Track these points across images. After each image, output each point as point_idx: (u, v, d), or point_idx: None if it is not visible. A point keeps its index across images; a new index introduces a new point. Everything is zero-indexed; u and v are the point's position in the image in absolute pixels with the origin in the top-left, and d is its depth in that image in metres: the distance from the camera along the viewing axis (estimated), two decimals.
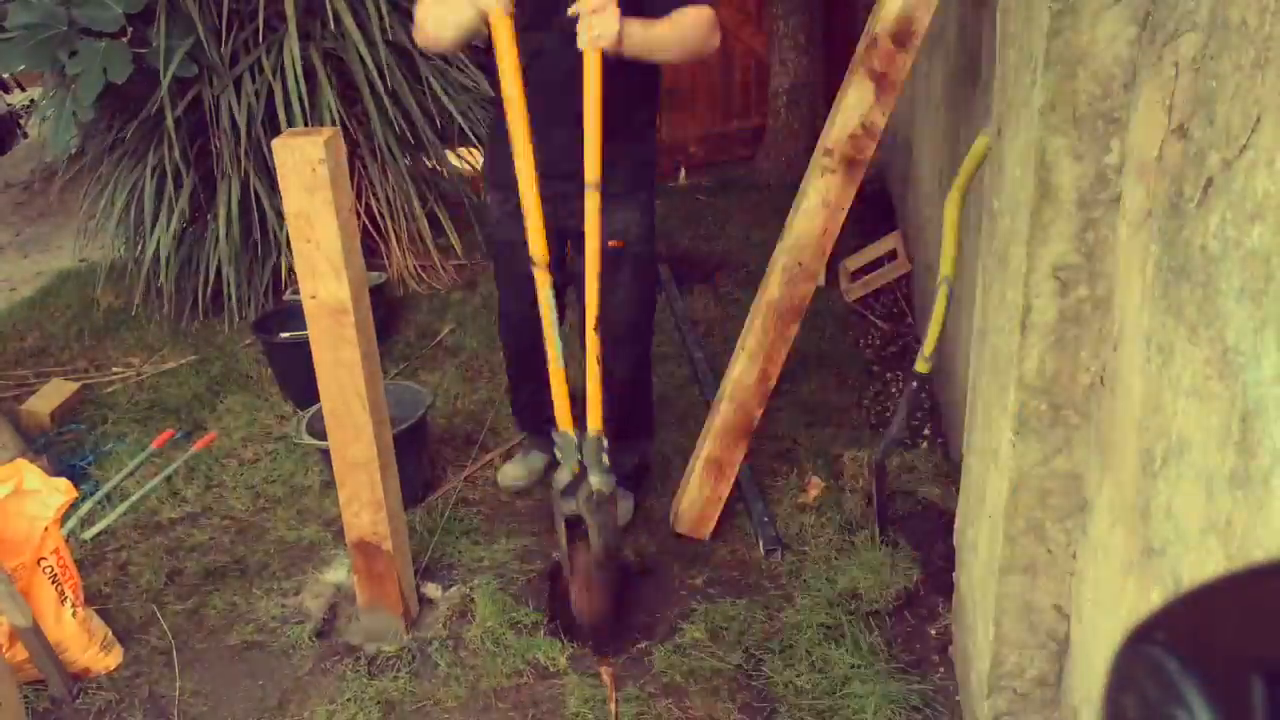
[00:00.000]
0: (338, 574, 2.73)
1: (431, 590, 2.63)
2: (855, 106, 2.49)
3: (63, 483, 2.37)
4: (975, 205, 2.40)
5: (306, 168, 2.02)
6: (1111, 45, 1.42)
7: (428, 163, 4.51)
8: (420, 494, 2.98)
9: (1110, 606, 1.53)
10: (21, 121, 7.04)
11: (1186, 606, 0.39)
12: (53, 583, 2.33)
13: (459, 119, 4.23)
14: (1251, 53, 1.04)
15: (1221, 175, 1.12)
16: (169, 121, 3.73)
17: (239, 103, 3.84)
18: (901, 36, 2.45)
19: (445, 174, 4.60)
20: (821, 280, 3.99)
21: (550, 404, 2.36)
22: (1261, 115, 1.02)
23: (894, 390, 3.36)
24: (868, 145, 2.51)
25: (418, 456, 2.98)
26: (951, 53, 2.97)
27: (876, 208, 4.62)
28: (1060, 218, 1.52)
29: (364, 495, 2.35)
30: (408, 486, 2.57)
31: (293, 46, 3.81)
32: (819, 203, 2.54)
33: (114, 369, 3.90)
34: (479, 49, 2.65)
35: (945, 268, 2.37)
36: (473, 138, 4.42)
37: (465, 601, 2.58)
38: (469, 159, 4.82)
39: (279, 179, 2.05)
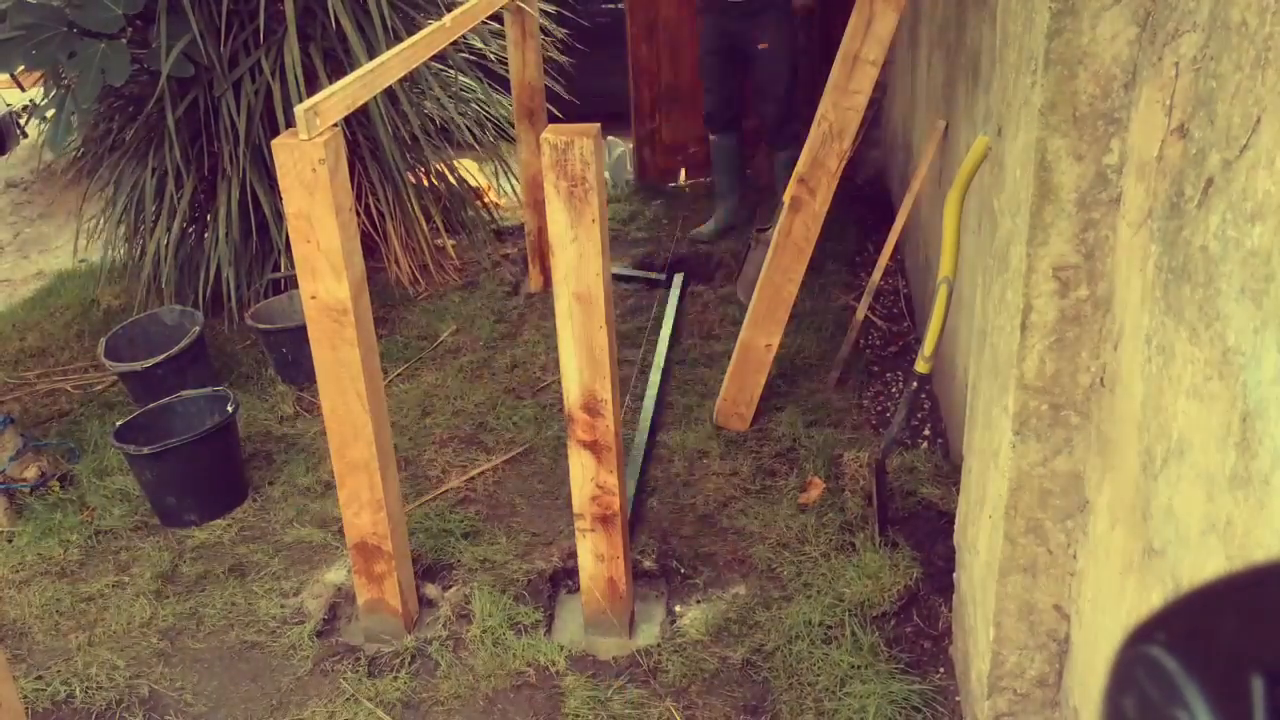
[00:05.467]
0: (338, 574, 2.73)
1: (431, 590, 2.63)
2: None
3: None
4: (975, 205, 2.40)
5: (306, 168, 2.02)
6: (1111, 45, 1.42)
7: (427, 164, 4.51)
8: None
9: (1110, 606, 1.53)
10: (21, 121, 7.03)
11: (1186, 606, 0.39)
12: None
13: (458, 119, 4.23)
14: (1251, 53, 1.04)
15: (1221, 175, 1.12)
16: (169, 122, 3.73)
17: (239, 103, 3.84)
18: None
19: (448, 175, 4.60)
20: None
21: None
22: (1261, 115, 1.02)
23: (894, 390, 3.36)
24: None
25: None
26: (951, 53, 2.97)
27: (877, 208, 4.62)
28: (1060, 218, 1.52)
29: (364, 495, 2.35)
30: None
31: (292, 47, 3.81)
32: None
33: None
34: None
35: (945, 268, 2.37)
36: (474, 141, 4.43)
37: (465, 601, 2.58)
38: (467, 171, 4.83)
39: (279, 179, 2.05)
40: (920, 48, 3.72)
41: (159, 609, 2.66)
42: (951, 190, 2.33)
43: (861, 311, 3.18)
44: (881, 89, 4.90)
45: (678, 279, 4.18)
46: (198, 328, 3.55)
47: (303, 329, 3.29)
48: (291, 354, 3.65)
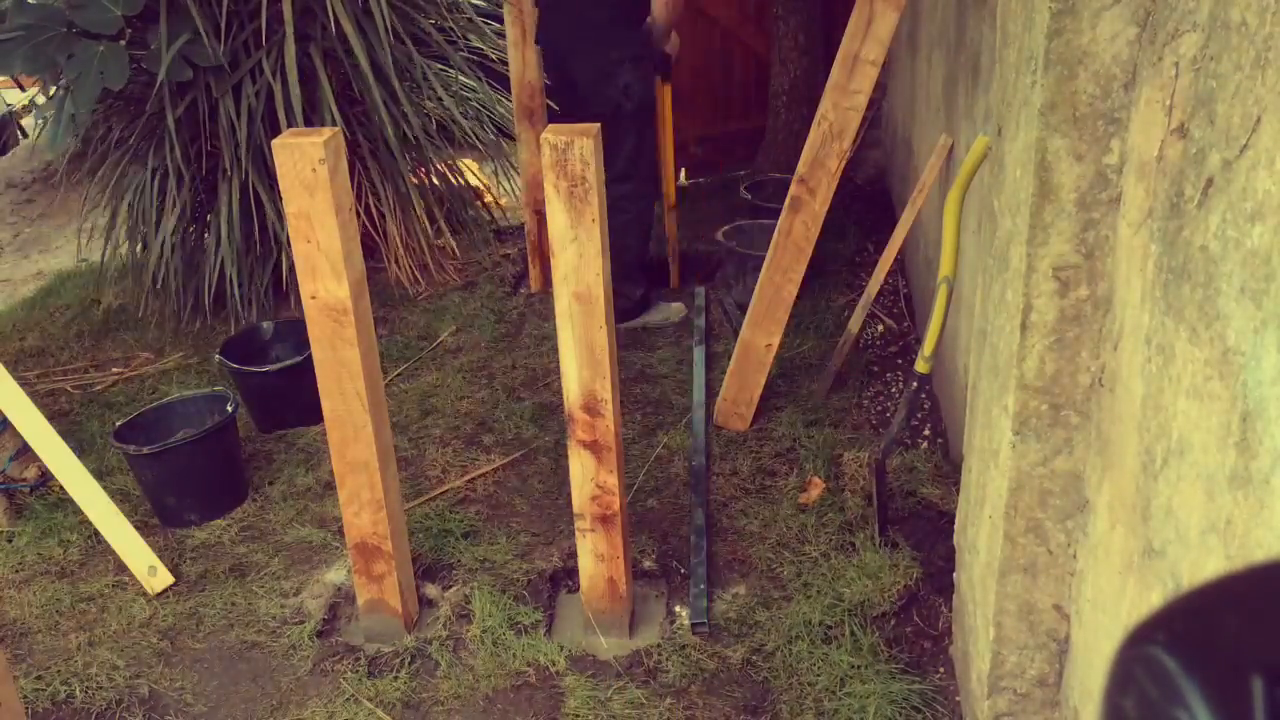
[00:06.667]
0: (338, 574, 2.73)
1: (431, 590, 2.63)
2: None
3: None
4: (975, 205, 2.40)
5: (306, 168, 2.02)
6: (1111, 45, 1.42)
7: (428, 164, 4.51)
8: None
9: (1110, 606, 1.53)
10: (21, 122, 7.04)
11: (1186, 606, 0.39)
12: None
13: (459, 119, 4.23)
14: (1251, 53, 1.04)
15: (1221, 175, 1.12)
16: (169, 123, 3.73)
17: (239, 104, 3.84)
18: None
19: (449, 175, 4.60)
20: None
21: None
22: (1261, 115, 1.02)
23: (894, 390, 3.36)
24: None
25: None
26: (951, 53, 2.97)
27: (877, 207, 4.62)
28: (1060, 218, 1.52)
29: (364, 495, 2.35)
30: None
31: (291, 48, 3.81)
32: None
33: (114, 369, 3.90)
34: None
35: (945, 268, 2.37)
36: (475, 140, 4.43)
37: (465, 601, 2.58)
38: (468, 170, 4.82)
39: (279, 179, 2.05)
40: (920, 48, 3.72)
41: (159, 609, 2.66)
42: (951, 190, 2.33)
43: (856, 324, 3.17)
44: (881, 89, 4.90)
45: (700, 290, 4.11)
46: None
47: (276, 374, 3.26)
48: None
